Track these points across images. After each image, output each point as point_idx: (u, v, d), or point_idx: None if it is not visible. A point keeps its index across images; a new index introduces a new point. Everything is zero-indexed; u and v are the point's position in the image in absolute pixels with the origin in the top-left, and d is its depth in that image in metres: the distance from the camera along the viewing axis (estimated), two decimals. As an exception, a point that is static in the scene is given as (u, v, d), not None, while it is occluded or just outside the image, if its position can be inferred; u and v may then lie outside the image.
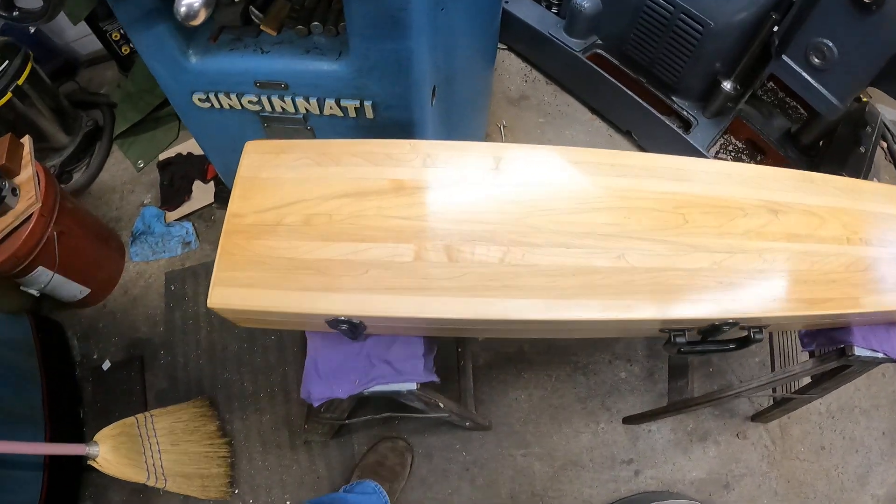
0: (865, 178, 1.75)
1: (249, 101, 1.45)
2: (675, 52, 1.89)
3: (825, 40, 1.53)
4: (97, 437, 1.49)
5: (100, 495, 1.67)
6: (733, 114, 1.98)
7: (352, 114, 1.41)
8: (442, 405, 1.30)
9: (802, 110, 2.05)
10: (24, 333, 1.72)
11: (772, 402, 1.78)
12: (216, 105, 1.49)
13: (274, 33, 1.39)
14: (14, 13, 1.08)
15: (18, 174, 1.63)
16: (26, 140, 1.67)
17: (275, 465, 1.68)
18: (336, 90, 1.38)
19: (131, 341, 1.84)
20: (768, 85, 2.11)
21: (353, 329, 1.00)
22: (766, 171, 1.14)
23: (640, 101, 1.96)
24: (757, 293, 0.99)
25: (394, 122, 1.43)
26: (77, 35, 2.16)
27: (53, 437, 1.65)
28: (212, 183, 1.96)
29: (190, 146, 2.03)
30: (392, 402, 1.17)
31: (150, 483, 1.51)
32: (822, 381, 1.48)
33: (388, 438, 1.67)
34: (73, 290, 1.78)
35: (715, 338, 1.11)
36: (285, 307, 0.96)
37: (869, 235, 1.13)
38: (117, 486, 1.66)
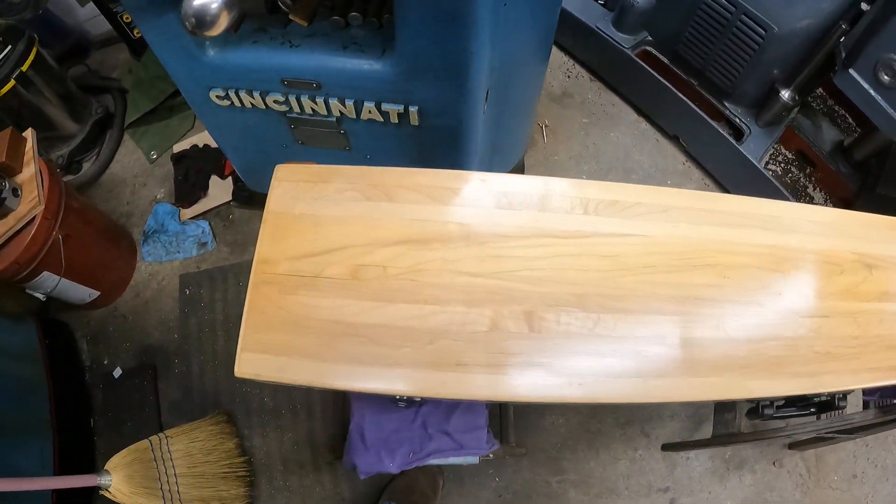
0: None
1: (275, 101, 1.18)
2: (732, 55, 1.62)
3: (898, 57, 1.28)
4: (109, 464, 1.27)
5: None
6: (786, 123, 1.72)
7: (393, 119, 1.15)
8: (491, 455, 1.08)
9: (852, 120, 1.79)
10: (28, 339, 1.48)
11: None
12: (236, 103, 1.22)
13: (305, 24, 1.11)
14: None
15: (20, 172, 1.36)
16: (29, 134, 1.39)
17: (296, 485, 1.47)
18: (377, 92, 1.11)
19: (143, 347, 1.60)
20: (817, 91, 1.84)
21: (409, 401, 0.77)
22: (857, 218, 0.94)
23: (691, 104, 1.69)
24: (850, 365, 0.81)
25: (441, 129, 1.18)
26: (88, 14, 1.84)
27: (62, 450, 1.44)
28: (230, 179, 1.69)
29: (206, 137, 1.75)
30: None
31: (165, 511, 1.30)
32: (874, 427, 1.29)
33: (417, 462, 1.46)
34: (82, 293, 1.53)
35: (798, 404, 1.00)
36: (329, 382, 0.73)
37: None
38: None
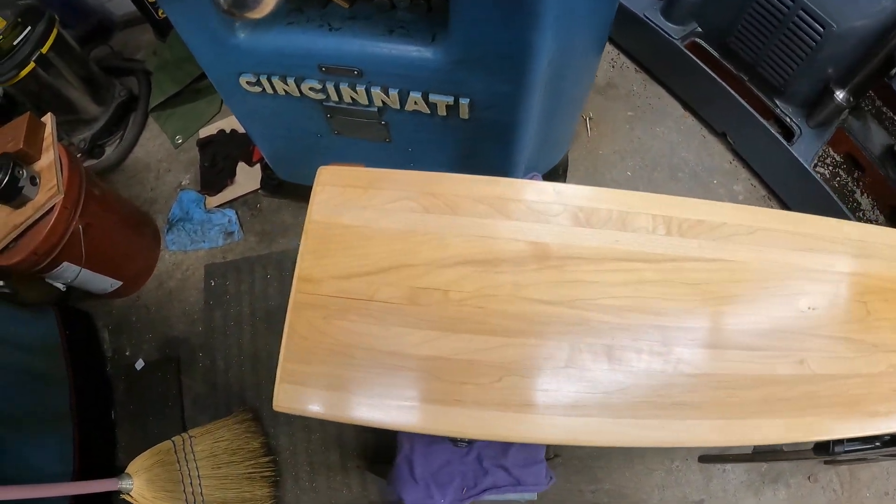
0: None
1: (311, 89, 1.05)
2: (786, 52, 1.46)
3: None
4: (130, 468, 1.17)
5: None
6: (836, 125, 1.57)
7: (441, 112, 1.02)
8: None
9: (902, 124, 1.64)
10: (49, 330, 1.38)
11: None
12: (268, 90, 1.09)
13: (346, 5, 0.98)
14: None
15: (38, 159, 1.24)
16: (48, 119, 1.26)
17: (323, 487, 1.37)
18: (424, 82, 0.98)
19: (167, 340, 1.49)
20: (868, 93, 1.69)
21: (471, 441, 0.66)
22: None
23: (741, 100, 1.54)
24: None
25: (492, 123, 1.05)
26: (114, -7, 1.70)
27: (82, 443, 1.35)
28: (258, 166, 1.56)
29: (234, 122, 1.61)
30: None
31: (189, 514, 1.20)
32: None
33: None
34: (104, 283, 1.42)
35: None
36: (381, 421, 0.61)
37: None
38: None
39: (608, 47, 1.71)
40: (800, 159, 1.52)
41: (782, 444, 1.33)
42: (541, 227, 0.65)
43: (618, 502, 1.40)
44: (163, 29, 1.69)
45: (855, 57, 1.40)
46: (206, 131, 1.61)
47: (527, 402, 0.60)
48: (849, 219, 1.42)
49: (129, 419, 1.46)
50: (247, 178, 1.57)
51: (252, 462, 1.33)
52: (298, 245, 0.67)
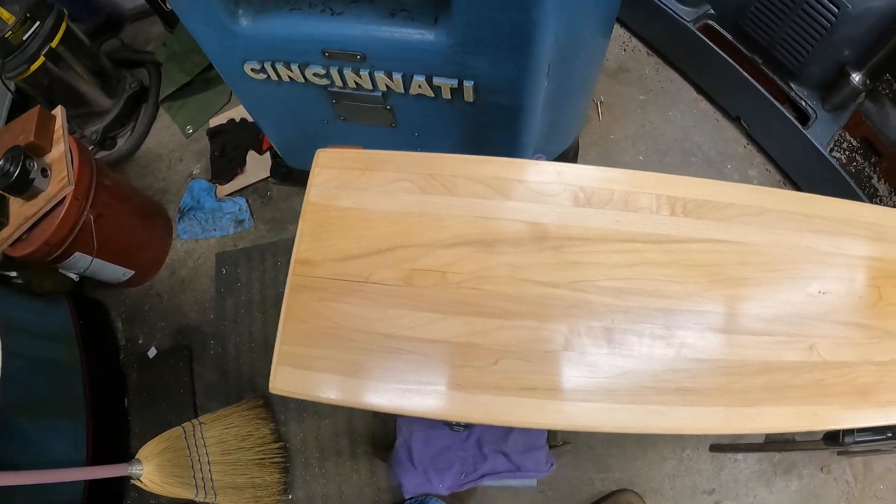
0: None
1: (315, 74, 1.04)
2: (800, 34, 1.42)
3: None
4: (140, 453, 1.18)
5: (144, 498, 1.39)
6: (853, 108, 1.51)
7: (446, 95, 1.01)
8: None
9: (920, 108, 1.58)
10: (63, 319, 1.39)
11: (869, 444, 1.46)
12: (273, 77, 1.08)
13: (348, -11, 0.96)
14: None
15: (49, 151, 1.25)
16: (58, 112, 1.27)
17: (333, 472, 1.37)
18: (428, 65, 0.97)
19: (179, 328, 1.50)
20: (885, 76, 1.63)
21: (468, 425, 0.65)
22: None
23: (755, 83, 1.49)
24: None
25: (497, 106, 1.03)
26: (122, -14, 1.70)
27: (96, 430, 1.36)
28: (267, 154, 1.55)
29: (243, 111, 1.61)
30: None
31: (199, 499, 1.22)
32: None
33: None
34: (116, 272, 1.44)
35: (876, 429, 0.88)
36: (378, 404, 0.60)
37: None
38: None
39: (619, 30, 1.67)
40: (815, 143, 1.48)
41: (794, 434, 1.31)
42: (540, 207, 0.64)
43: (628, 491, 1.38)
44: (171, 20, 1.70)
45: (871, 38, 1.36)
46: (216, 121, 1.62)
47: (524, 386, 0.58)
48: (865, 203, 1.37)
49: (142, 406, 1.47)
50: (257, 167, 1.57)
51: (262, 448, 1.34)
52: (304, 230, 0.67)
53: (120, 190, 1.41)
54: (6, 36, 1.36)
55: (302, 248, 0.67)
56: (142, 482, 1.16)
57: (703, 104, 1.60)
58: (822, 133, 1.51)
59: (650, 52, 1.65)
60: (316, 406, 1.42)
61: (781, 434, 1.30)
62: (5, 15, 1.36)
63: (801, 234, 0.72)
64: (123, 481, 1.36)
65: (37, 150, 1.24)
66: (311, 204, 0.69)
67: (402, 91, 1.02)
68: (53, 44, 1.40)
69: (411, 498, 1.30)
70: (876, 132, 1.56)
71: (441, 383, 0.58)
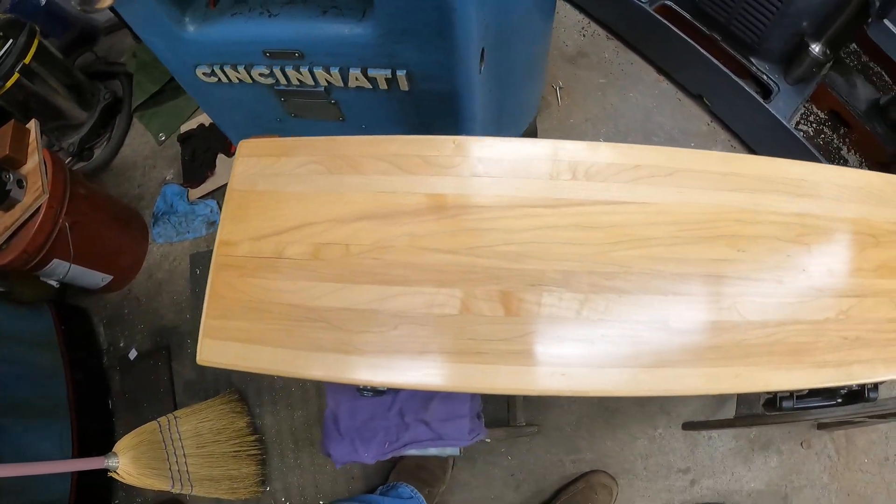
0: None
1: (260, 74, 1.10)
2: (757, 8, 1.44)
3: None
4: (117, 447, 1.24)
5: (131, 496, 1.46)
6: (817, 80, 1.53)
7: (382, 85, 1.05)
8: (488, 439, 1.00)
9: (888, 78, 1.59)
10: (45, 325, 1.47)
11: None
12: (223, 79, 1.14)
13: (283, -9, 1.02)
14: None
15: (25, 163, 1.33)
16: (32, 125, 1.35)
17: (307, 463, 1.43)
18: (361, 58, 1.01)
19: (157, 329, 1.57)
20: (851, 46, 1.64)
21: (375, 390, 0.69)
22: (890, 181, 0.78)
23: (715, 61, 1.52)
24: (885, 352, 0.68)
25: (434, 93, 1.07)
26: (91, 0, 1.78)
27: (81, 432, 1.43)
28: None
29: (212, 117, 1.69)
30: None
31: (175, 490, 1.27)
32: None
33: (428, 441, 1.39)
34: (95, 278, 1.51)
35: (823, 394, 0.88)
36: (290, 370, 0.65)
37: None
38: (148, 486, 1.43)
39: (578, 16, 1.71)
40: (778, 116, 1.50)
41: (761, 409, 1.32)
42: (439, 179, 0.68)
43: (600, 472, 1.40)
44: (140, 32, 1.77)
45: (827, 8, 1.38)
46: (186, 126, 1.69)
47: (422, 350, 0.62)
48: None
49: (126, 407, 1.54)
50: (226, 169, 1.63)
51: (237, 441, 1.39)
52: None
53: (94, 198, 1.48)
54: (-22, 55, 1.45)
55: (224, 230, 0.72)
56: (118, 474, 1.22)
57: (665, 84, 1.63)
58: (785, 106, 1.53)
59: (609, 35, 1.68)
60: (289, 398, 1.48)
61: (750, 409, 1.31)
62: (-23, 35, 1.45)
63: (717, 192, 0.72)
64: (110, 481, 1.42)
65: (12, 162, 1.31)
66: (232, 191, 0.74)
67: (342, 85, 1.07)
68: (27, 60, 1.48)
69: (384, 485, 1.34)
70: (843, 103, 1.58)
71: (343, 349, 0.63)
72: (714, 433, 1.46)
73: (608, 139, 1.58)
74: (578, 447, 1.40)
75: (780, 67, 1.55)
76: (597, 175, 0.70)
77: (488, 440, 0.98)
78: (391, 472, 1.36)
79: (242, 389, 1.48)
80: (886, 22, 1.24)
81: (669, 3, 1.61)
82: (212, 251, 1.63)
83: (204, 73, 1.13)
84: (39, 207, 1.33)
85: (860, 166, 1.58)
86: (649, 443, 1.42)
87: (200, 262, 1.59)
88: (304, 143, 0.74)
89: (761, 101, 1.51)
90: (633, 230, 0.68)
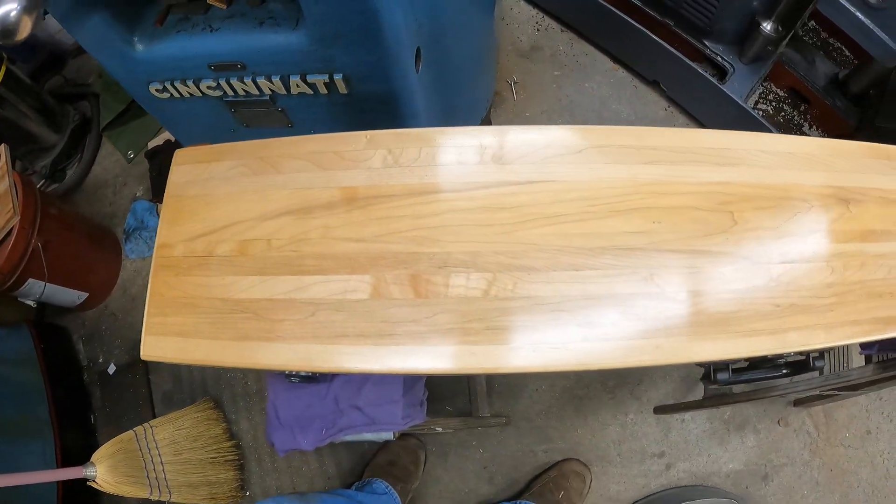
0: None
1: (208, 87, 1.18)
2: (704, -10, 1.51)
3: (885, -27, 1.18)
4: (95, 456, 1.32)
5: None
6: (773, 59, 1.59)
7: (322, 90, 1.13)
8: (439, 428, 1.06)
9: (849, 53, 1.65)
10: (25, 345, 1.55)
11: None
12: (175, 94, 1.22)
13: (223, 6, 1.10)
14: None
15: (-5, 188, 1.42)
16: (2, 150, 1.44)
17: (284, 466, 1.50)
18: (299, 65, 1.09)
19: (134, 343, 1.65)
20: (809, 24, 1.70)
21: (308, 377, 0.76)
22: (832, 146, 0.81)
23: (668, 46, 1.58)
24: (822, 318, 0.70)
25: (373, 95, 1.14)
26: (57, 27, 1.87)
27: (64, 448, 1.51)
28: (204, 171, 1.71)
29: (180, 132, 1.77)
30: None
31: (154, 497, 1.35)
32: (880, 382, 1.16)
33: (401, 436, 1.45)
34: (71, 296, 1.60)
35: (765, 366, 0.90)
36: (222, 360, 0.72)
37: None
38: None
39: (532, 11, 1.78)
40: (733, 96, 1.56)
41: (731, 387, 1.36)
42: (350, 173, 0.75)
43: (574, 459, 1.46)
44: (106, 53, 1.86)
45: (774, -15, 1.44)
46: (153, 143, 1.78)
47: (337, 334, 0.69)
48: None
49: (107, 421, 1.62)
50: (195, 184, 1.71)
51: (214, 447, 1.47)
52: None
53: (66, 217, 1.57)
54: (-54, 83, 1.54)
55: (161, 235, 0.80)
56: (97, 483, 1.30)
57: (621, 72, 1.69)
58: (741, 86, 1.59)
59: (564, 28, 1.75)
60: (262, 403, 1.55)
61: (717, 389, 1.35)
62: (-57, 63, 1.54)
63: (630, 166, 0.75)
64: (98, 494, 1.50)
65: (-18, 187, 1.40)
66: (169, 197, 0.82)
67: (285, 92, 1.14)
68: (-7, 87, 1.58)
69: (358, 481, 1.41)
70: (801, 80, 1.64)
71: (267, 337, 0.70)
72: (687, 416, 1.51)
73: (566, 130, 1.65)
74: (550, 437, 1.46)
75: (735, 48, 1.61)
76: (504, 158, 0.76)
77: (439, 430, 1.04)
78: (365, 469, 1.43)
79: (218, 397, 1.56)
80: (835, -5, 1.30)
81: (621, -9, 1.68)
82: (184, 263, 1.71)
83: (157, 90, 1.22)
84: (12, 229, 1.41)
85: (822, 141, 1.63)
86: (621, 429, 1.48)
87: (173, 275, 1.67)
88: (232, 148, 0.81)
89: (716, 82, 1.57)
90: (541, 209, 0.73)
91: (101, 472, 1.30)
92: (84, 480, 1.31)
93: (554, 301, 0.69)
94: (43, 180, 1.77)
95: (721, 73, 1.62)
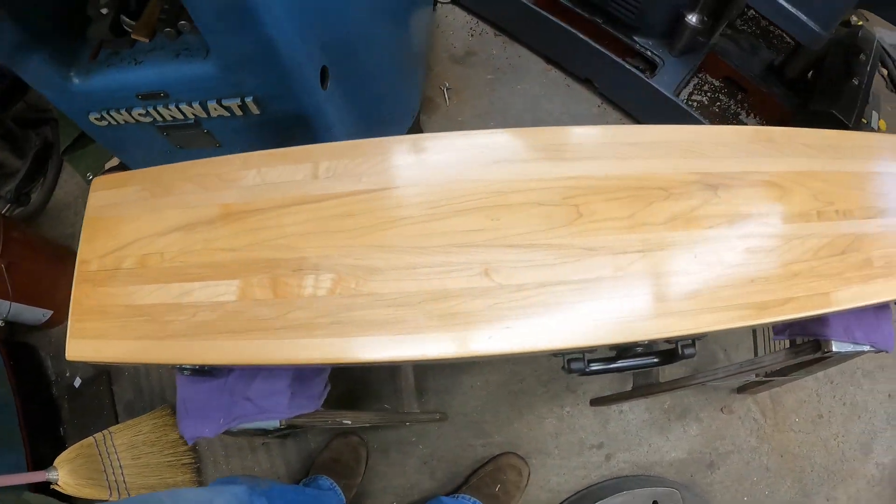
0: (861, 112, 1.54)
1: (139, 115, 1.42)
2: (627, -13, 1.70)
3: (802, -43, 1.35)
4: (56, 461, 1.58)
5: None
6: (705, 50, 1.77)
7: (238, 112, 1.37)
8: (349, 421, 1.27)
9: (790, 40, 1.82)
10: (-6, 363, 1.82)
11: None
12: (112, 122, 1.47)
13: (146, 40, 1.34)
14: None
15: (-45, 214, 1.70)
16: (-35, 179, 1.72)
17: (238, 467, 1.74)
18: (214, 90, 1.33)
19: (99, 357, 1.92)
20: (749, 13, 1.88)
21: (200, 371, 0.99)
22: (702, 133, 0.95)
23: (594, 44, 1.78)
24: (678, 304, 0.83)
25: (285, 114, 1.38)
26: (20, 50, 2.17)
27: (34, 460, 1.77)
28: (158, 189, 1.97)
29: (135, 152, 2.04)
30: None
31: (114, 499, 1.59)
32: (805, 366, 1.32)
33: (342, 434, 1.68)
34: (36, 314, 1.87)
35: (631, 355, 0.99)
36: (129, 357, 0.96)
37: (849, 205, 0.92)
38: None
39: (467, 17, 2.00)
40: (661, 89, 1.75)
41: (658, 373, 1.53)
42: (228, 192, 0.98)
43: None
44: (65, 79, 2.14)
45: (692, -22, 1.62)
46: (110, 164, 2.05)
47: (215, 331, 0.91)
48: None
49: (76, 433, 1.88)
50: (149, 201, 1.97)
51: (171, 451, 1.72)
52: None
53: (28, 239, 1.85)
54: None
55: (82, 252, 1.04)
56: (59, 486, 1.55)
57: (553, 73, 1.89)
58: (670, 79, 1.78)
59: (497, 32, 1.96)
60: (216, 409, 1.79)
61: (645, 378, 1.53)
62: None
63: (476, 167, 0.92)
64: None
65: (-55, 215, 1.68)
66: (87, 219, 1.06)
67: (206, 115, 1.38)
68: (-46, 118, 1.87)
69: (305, 478, 1.63)
70: (736, 69, 1.82)
71: (157, 337, 0.93)
72: (625, 406, 1.69)
73: (500, 131, 1.86)
74: (486, 431, 1.67)
75: (665, 42, 1.80)
76: (349, 170, 0.96)
77: (348, 422, 1.26)
78: (311, 467, 1.66)
79: (174, 404, 1.80)
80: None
81: (549, -8, 1.88)
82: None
83: (96, 119, 1.47)
84: (-24, 253, 1.69)
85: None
86: (558, 421, 1.67)
87: (132, 290, 1.93)
88: (137, 175, 1.05)
89: (643, 76, 1.77)
90: (387, 213, 0.92)
91: (63, 475, 1.56)
92: (48, 484, 1.58)
93: (394, 297, 0.89)
94: (8, 204, 2.05)
95: (652, 68, 1.81)
